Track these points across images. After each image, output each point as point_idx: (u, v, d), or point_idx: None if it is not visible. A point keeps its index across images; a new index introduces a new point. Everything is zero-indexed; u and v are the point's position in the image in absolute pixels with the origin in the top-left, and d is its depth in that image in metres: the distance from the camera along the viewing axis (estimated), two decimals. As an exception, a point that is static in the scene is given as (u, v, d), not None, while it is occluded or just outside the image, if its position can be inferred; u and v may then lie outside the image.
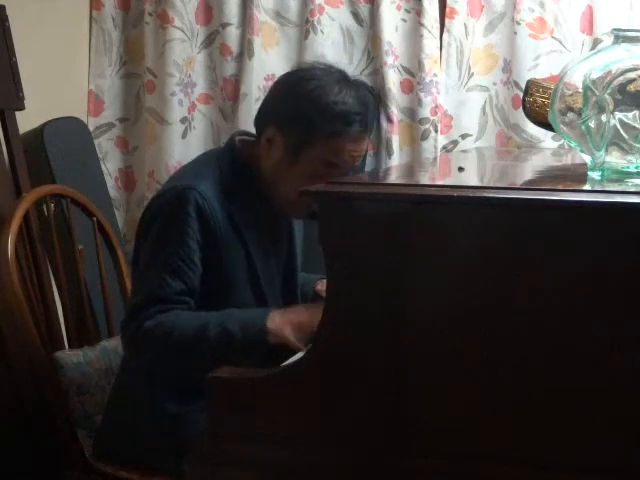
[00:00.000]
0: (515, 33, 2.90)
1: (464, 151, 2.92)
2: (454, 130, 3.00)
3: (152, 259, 1.99)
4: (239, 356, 1.87)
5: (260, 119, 2.11)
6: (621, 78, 1.75)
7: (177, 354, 1.94)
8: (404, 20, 2.99)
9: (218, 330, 1.91)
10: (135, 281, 2.10)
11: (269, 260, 2.13)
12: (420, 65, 2.95)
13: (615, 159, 1.78)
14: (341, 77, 2.06)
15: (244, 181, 2.09)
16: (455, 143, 3.00)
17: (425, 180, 2.20)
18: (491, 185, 1.97)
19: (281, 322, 1.90)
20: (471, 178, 2.16)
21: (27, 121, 2.85)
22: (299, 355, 1.83)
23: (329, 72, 2.06)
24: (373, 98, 2.12)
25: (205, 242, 1.99)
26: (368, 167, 3.00)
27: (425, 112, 2.95)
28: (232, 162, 2.10)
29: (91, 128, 3.21)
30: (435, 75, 2.94)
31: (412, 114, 2.99)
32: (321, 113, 2.00)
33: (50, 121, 2.94)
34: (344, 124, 2.01)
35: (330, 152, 2.02)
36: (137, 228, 2.11)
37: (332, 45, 3.03)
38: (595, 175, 1.81)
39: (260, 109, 2.14)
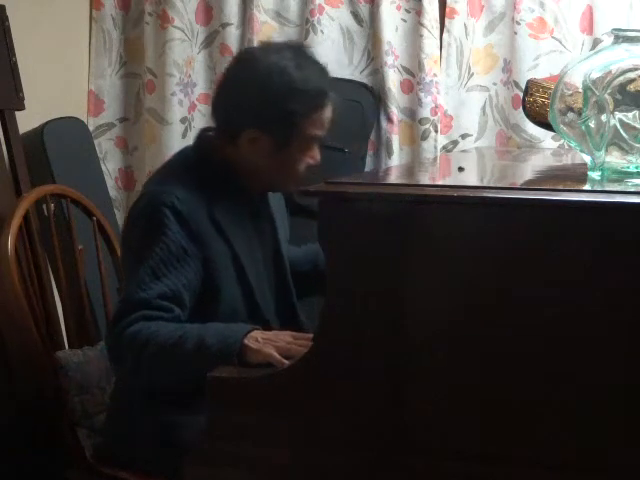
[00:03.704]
0: (515, 33, 2.90)
1: (464, 151, 2.92)
2: (454, 130, 3.00)
3: (133, 267, 1.98)
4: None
5: (233, 122, 2.08)
6: (621, 78, 1.75)
7: (153, 361, 1.91)
8: (404, 20, 2.99)
9: (195, 341, 1.87)
10: (121, 291, 2.09)
11: (255, 254, 2.12)
12: (420, 65, 2.95)
13: (615, 159, 1.79)
14: (295, 53, 2.07)
15: (220, 177, 2.09)
16: (455, 143, 3.00)
17: (425, 180, 2.20)
18: (491, 185, 1.97)
19: (263, 340, 1.86)
20: (471, 178, 2.15)
21: (27, 121, 2.84)
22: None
23: (282, 54, 2.05)
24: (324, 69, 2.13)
25: (187, 244, 1.98)
26: (368, 167, 3.00)
27: (425, 112, 2.95)
28: (205, 160, 2.10)
29: (91, 128, 3.21)
30: (435, 75, 2.94)
31: (412, 114, 2.99)
32: (296, 101, 2.02)
33: (50, 121, 2.94)
34: (317, 98, 2.04)
35: (313, 126, 2.06)
36: (121, 238, 2.11)
37: (332, 45, 3.03)
38: (595, 175, 1.81)
39: (226, 111, 2.09)
